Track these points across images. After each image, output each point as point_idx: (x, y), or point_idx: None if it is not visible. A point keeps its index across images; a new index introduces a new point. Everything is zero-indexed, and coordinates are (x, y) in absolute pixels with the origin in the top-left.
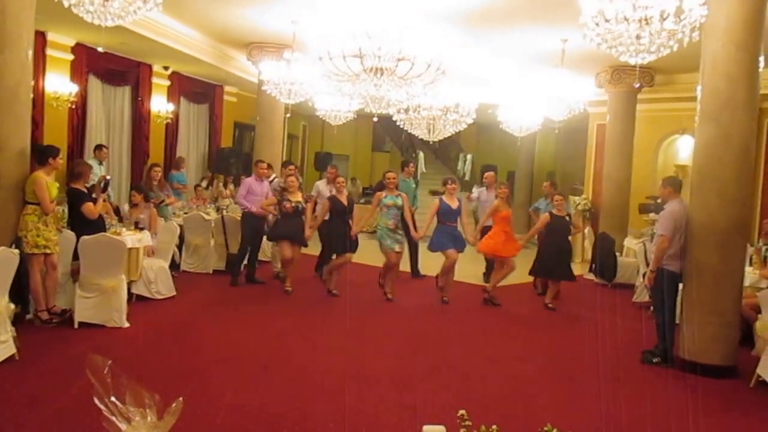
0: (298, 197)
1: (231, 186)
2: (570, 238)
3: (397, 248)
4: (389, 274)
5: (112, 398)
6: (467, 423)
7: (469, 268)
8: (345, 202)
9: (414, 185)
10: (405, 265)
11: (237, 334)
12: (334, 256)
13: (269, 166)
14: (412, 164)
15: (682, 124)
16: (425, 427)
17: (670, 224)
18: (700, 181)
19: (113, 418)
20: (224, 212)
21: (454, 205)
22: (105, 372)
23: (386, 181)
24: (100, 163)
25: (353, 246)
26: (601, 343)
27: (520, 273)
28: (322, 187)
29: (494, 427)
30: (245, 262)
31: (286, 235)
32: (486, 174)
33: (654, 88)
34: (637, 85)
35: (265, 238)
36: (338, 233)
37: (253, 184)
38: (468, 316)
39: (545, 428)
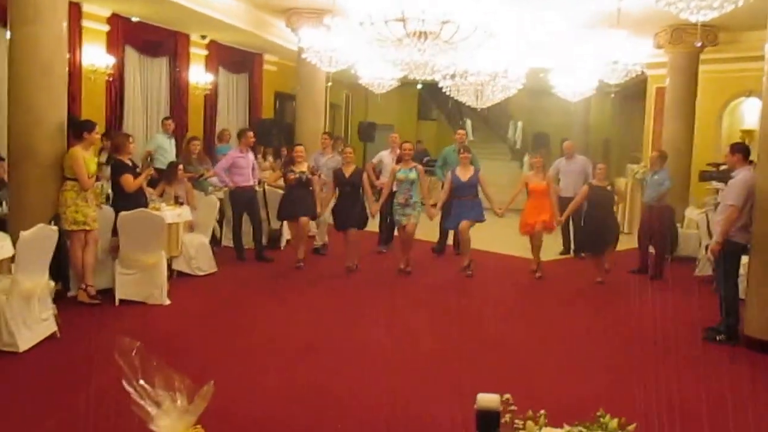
0: (303, 168)
1: (271, 158)
2: (615, 209)
3: (402, 221)
4: (402, 247)
5: (141, 381)
6: (513, 408)
7: (517, 242)
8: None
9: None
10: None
11: (279, 312)
12: None
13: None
14: (462, 131)
15: (749, 86)
16: (479, 395)
17: (742, 194)
18: None
19: (142, 402)
20: (265, 185)
21: (466, 176)
22: (133, 354)
23: (402, 153)
24: (169, 137)
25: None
26: (660, 320)
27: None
28: (386, 157)
29: (542, 412)
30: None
31: (291, 213)
32: (565, 143)
33: (717, 48)
34: (699, 44)
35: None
36: (342, 208)
37: (237, 157)
38: (515, 292)
39: (598, 413)
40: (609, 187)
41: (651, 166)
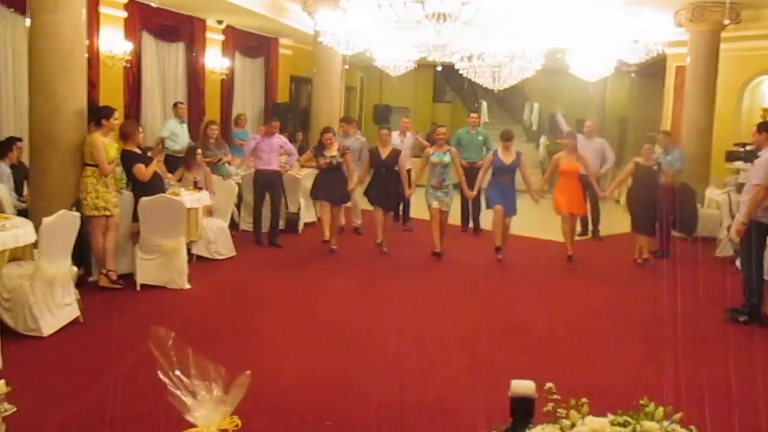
0: (333, 152)
1: None
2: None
3: (434, 204)
4: (433, 229)
5: (177, 372)
6: (555, 396)
7: (541, 223)
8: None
9: (480, 138)
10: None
11: (299, 295)
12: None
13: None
14: (474, 114)
15: None
16: (513, 382)
17: None
18: None
19: (178, 393)
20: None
21: (508, 160)
22: (168, 345)
23: (435, 137)
24: (181, 122)
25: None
26: (681, 301)
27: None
28: (395, 139)
29: (584, 400)
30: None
31: (324, 196)
32: (587, 123)
33: (740, 26)
34: (727, 22)
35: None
36: (378, 189)
37: (260, 140)
38: (538, 274)
39: (642, 402)
40: (655, 167)
41: (661, 147)
